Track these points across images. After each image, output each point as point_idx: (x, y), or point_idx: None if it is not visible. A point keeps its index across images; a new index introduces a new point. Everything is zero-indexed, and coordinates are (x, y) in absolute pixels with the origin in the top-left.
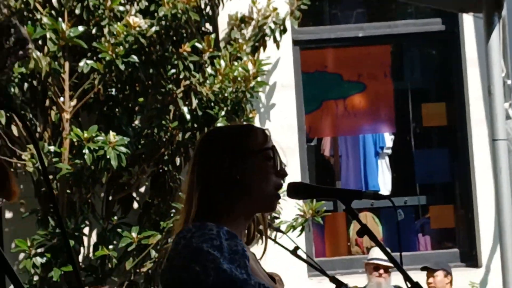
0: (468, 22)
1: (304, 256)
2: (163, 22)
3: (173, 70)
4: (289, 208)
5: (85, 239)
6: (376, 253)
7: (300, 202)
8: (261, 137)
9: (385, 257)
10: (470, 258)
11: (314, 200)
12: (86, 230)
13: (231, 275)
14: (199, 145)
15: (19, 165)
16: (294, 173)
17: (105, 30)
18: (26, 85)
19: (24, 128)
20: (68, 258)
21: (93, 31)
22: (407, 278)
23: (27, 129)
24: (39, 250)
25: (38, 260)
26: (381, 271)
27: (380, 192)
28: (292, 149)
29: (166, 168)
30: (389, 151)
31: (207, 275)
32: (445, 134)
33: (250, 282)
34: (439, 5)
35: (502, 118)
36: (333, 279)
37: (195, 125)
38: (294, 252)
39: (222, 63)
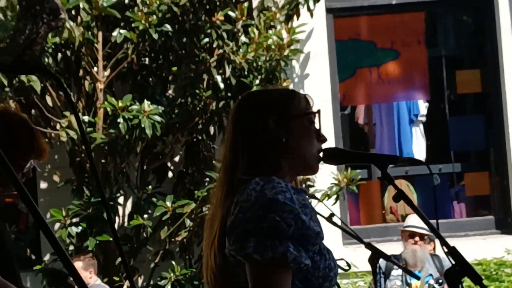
0: None
1: (339, 222)
2: None
3: (206, 39)
4: (323, 177)
5: (120, 208)
6: (412, 221)
7: (335, 170)
8: (304, 102)
9: (420, 225)
10: (505, 225)
11: (349, 169)
12: (121, 200)
13: (310, 226)
14: (241, 107)
15: (53, 135)
16: (328, 141)
17: (138, 0)
18: (59, 55)
19: (64, 94)
20: (109, 221)
21: (126, 0)
22: (443, 242)
23: (66, 94)
24: (74, 220)
25: (74, 230)
26: (417, 238)
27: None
28: (326, 118)
29: (200, 137)
30: (423, 119)
31: (288, 225)
32: (480, 101)
33: (323, 235)
34: None
35: None
36: (368, 245)
37: (229, 94)
38: (329, 218)
39: (256, 31)
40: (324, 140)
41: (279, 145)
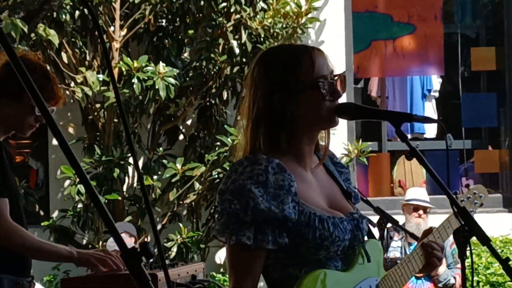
0: None
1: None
2: None
3: (224, 4)
4: (334, 147)
5: (130, 168)
6: (414, 194)
7: (346, 141)
8: (309, 67)
9: (423, 198)
10: None
11: (360, 140)
12: (131, 160)
13: (268, 215)
14: (251, 75)
15: (68, 92)
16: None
17: None
18: (77, 13)
19: (98, 35)
20: (140, 182)
21: None
22: (453, 202)
23: (100, 37)
24: None
25: (83, 188)
26: (421, 211)
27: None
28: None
29: (213, 102)
30: (436, 94)
31: (245, 214)
32: (494, 78)
33: (292, 217)
34: None
35: None
36: (378, 210)
37: (244, 60)
38: None
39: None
40: (337, 96)
41: (284, 118)
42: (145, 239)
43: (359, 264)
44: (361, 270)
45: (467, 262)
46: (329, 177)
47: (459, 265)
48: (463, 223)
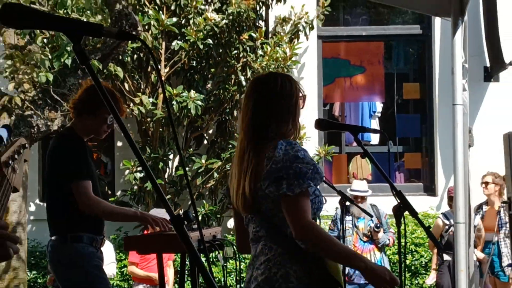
0: (437, 28)
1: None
2: (230, 17)
3: (235, 51)
4: (309, 149)
5: (170, 163)
6: (355, 186)
7: (317, 145)
8: (297, 87)
9: (361, 189)
10: (430, 190)
11: (326, 144)
12: (171, 157)
13: (319, 171)
14: (260, 88)
15: (128, 110)
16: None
17: (191, 21)
18: (135, 56)
19: (152, 61)
20: (188, 186)
21: (183, 21)
22: (392, 187)
23: (154, 62)
24: (139, 168)
25: (138, 175)
26: (359, 199)
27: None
28: (313, 111)
29: (227, 118)
30: (379, 114)
31: (307, 169)
32: (418, 104)
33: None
34: (421, 10)
35: (460, 90)
36: (340, 192)
37: None
38: None
39: (269, 47)
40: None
41: (287, 118)
42: (180, 211)
43: None
44: None
45: (402, 229)
46: None
47: (392, 230)
48: (399, 201)
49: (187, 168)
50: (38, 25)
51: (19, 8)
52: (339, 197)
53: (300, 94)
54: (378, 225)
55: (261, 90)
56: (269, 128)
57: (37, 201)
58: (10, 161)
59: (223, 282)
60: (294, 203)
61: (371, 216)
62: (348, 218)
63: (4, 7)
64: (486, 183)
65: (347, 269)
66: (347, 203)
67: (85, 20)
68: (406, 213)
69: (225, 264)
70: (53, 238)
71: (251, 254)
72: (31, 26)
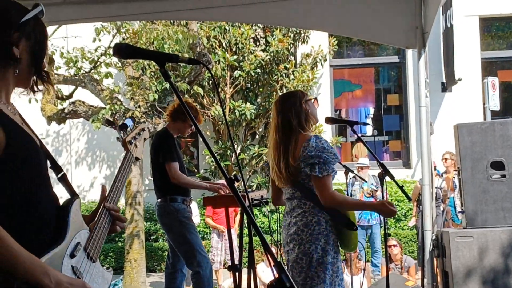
0: (409, 57)
1: None
2: (272, 54)
3: (275, 77)
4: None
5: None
6: (361, 161)
7: (330, 136)
8: (305, 95)
9: (364, 163)
10: (407, 165)
11: (336, 135)
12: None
13: (338, 159)
14: (286, 102)
15: (207, 116)
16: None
17: (246, 58)
18: (210, 81)
19: (212, 83)
20: (236, 159)
21: (240, 58)
22: (380, 164)
23: (214, 83)
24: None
25: (213, 160)
26: (365, 170)
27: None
28: (328, 114)
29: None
30: (372, 116)
31: (331, 157)
32: (398, 108)
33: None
34: (397, 44)
35: (424, 97)
36: (345, 166)
37: None
38: None
39: (297, 73)
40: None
41: (303, 121)
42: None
43: None
44: None
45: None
46: None
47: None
48: (383, 170)
49: (246, 154)
50: (137, 56)
51: (125, 46)
52: (344, 169)
53: (312, 98)
54: (377, 186)
55: (285, 102)
56: (292, 125)
57: (149, 176)
58: (132, 140)
59: (268, 228)
60: (322, 182)
61: (365, 181)
62: (357, 183)
63: (116, 45)
64: (445, 159)
65: (356, 215)
66: (349, 174)
67: None
68: (388, 179)
69: (269, 213)
70: (158, 200)
71: (286, 207)
72: (132, 57)
